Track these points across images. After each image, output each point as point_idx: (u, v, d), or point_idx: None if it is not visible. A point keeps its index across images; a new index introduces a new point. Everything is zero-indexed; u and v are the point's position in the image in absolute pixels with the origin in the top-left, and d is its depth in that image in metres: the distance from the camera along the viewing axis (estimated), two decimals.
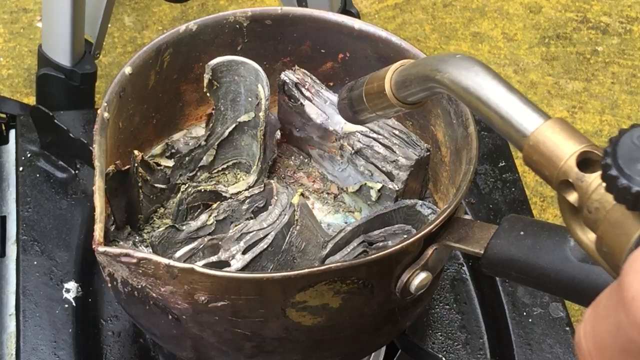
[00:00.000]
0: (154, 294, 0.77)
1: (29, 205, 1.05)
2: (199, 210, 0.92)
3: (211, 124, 0.95)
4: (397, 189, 0.91)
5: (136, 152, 0.88)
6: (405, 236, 0.87)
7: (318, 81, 0.96)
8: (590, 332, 0.46)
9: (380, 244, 0.87)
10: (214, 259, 0.83)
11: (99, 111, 0.84)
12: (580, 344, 0.46)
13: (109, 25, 1.50)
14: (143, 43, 1.62)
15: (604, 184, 0.49)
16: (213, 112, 0.95)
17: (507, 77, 1.64)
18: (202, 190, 0.91)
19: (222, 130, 0.95)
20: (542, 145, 0.57)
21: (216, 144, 0.95)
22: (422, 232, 0.77)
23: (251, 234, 0.84)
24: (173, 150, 0.97)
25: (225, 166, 0.97)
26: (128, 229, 0.89)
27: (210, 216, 0.88)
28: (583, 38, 1.73)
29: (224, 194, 0.92)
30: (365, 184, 0.93)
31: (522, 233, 0.74)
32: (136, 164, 0.88)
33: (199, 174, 0.96)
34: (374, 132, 0.93)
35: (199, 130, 1.00)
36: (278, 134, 0.98)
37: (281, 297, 0.76)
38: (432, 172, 0.95)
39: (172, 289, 0.75)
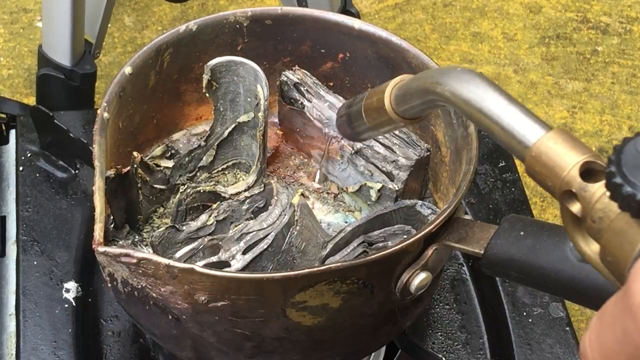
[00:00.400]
0: (154, 294, 0.77)
1: (29, 205, 1.05)
2: (198, 211, 0.92)
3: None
4: (397, 189, 0.91)
5: (135, 153, 0.88)
6: (405, 236, 0.87)
7: (318, 82, 0.96)
8: (596, 341, 0.46)
9: (380, 244, 0.87)
10: (214, 259, 0.83)
11: (99, 111, 0.84)
12: (586, 353, 0.46)
13: (109, 25, 1.50)
14: (143, 43, 1.62)
15: (607, 193, 0.49)
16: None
17: (507, 77, 1.64)
18: (201, 190, 0.91)
19: (222, 131, 0.95)
20: (544, 156, 0.57)
21: (216, 144, 0.95)
22: (422, 232, 0.77)
23: (251, 234, 0.84)
24: (173, 151, 0.97)
25: (225, 166, 0.97)
26: (127, 228, 0.89)
27: (210, 216, 0.88)
28: (583, 38, 1.73)
29: (223, 195, 0.92)
30: (365, 184, 0.93)
31: (522, 233, 0.74)
32: (135, 165, 0.88)
33: (198, 174, 0.96)
34: None
35: (200, 129, 1.00)
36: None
37: (281, 297, 0.76)
38: (432, 172, 0.95)
39: (172, 289, 0.75)
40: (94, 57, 1.36)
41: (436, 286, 0.97)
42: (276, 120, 1.01)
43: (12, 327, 0.98)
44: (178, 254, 0.84)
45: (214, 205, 0.90)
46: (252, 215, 0.90)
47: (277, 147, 1.01)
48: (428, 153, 0.92)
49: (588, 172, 0.55)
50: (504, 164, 1.13)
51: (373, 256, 0.76)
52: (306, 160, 1.00)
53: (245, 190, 0.93)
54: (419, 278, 0.79)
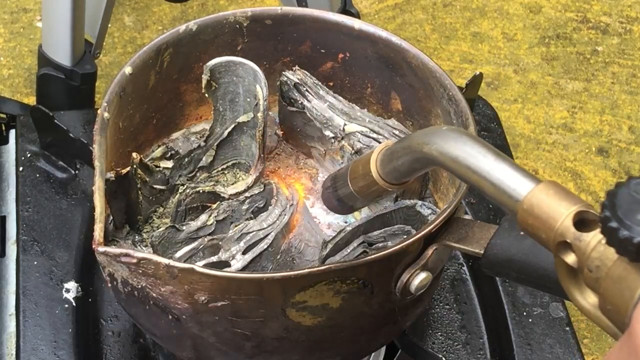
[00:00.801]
0: (154, 294, 0.77)
1: (29, 205, 1.05)
2: (198, 211, 0.92)
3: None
4: None
5: (134, 154, 0.88)
6: (405, 236, 0.87)
7: (318, 82, 0.96)
8: None
9: (380, 244, 0.87)
10: (214, 259, 0.83)
11: (99, 111, 0.84)
12: None
13: (109, 25, 1.50)
14: (143, 43, 1.62)
15: (603, 240, 0.49)
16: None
17: (507, 77, 1.64)
18: (201, 191, 0.91)
19: (222, 131, 0.95)
20: (536, 208, 0.57)
21: (215, 144, 0.95)
22: (422, 232, 0.77)
23: (251, 234, 0.84)
24: (172, 152, 0.97)
25: (224, 166, 0.97)
26: (127, 228, 0.89)
27: (210, 216, 0.88)
28: (583, 38, 1.73)
29: (222, 195, 0.92)
30: None
31: (522, 233, 0.74)
32: (135, 166, 0.88)
33: (198, 174, 0.96)
34: (374, 132, 0.93)
35: (199, 128, 1.00)
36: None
37: (281, 297, 0.76)
38: (432, 172, 0.95)
39: (172, 289, 0.75)
40: (94, 57, 1.36)
41: (436, 286, 0.97)
42: (276, 120, 1.01)
43: (12, 327, 0.98)
44: (178, 254, 0.84)
45: (214, 206, 0.90)
46: (252, 215, 0.90)
47: (277, 147, 1.01)
48: None
49: (581, 222, 0.55)
50: None
51: (373, 256, 0.76)
52: (306, 160, 1.00)
53: (245, 191, 0.93)
54: (419, 278, 0.79)
